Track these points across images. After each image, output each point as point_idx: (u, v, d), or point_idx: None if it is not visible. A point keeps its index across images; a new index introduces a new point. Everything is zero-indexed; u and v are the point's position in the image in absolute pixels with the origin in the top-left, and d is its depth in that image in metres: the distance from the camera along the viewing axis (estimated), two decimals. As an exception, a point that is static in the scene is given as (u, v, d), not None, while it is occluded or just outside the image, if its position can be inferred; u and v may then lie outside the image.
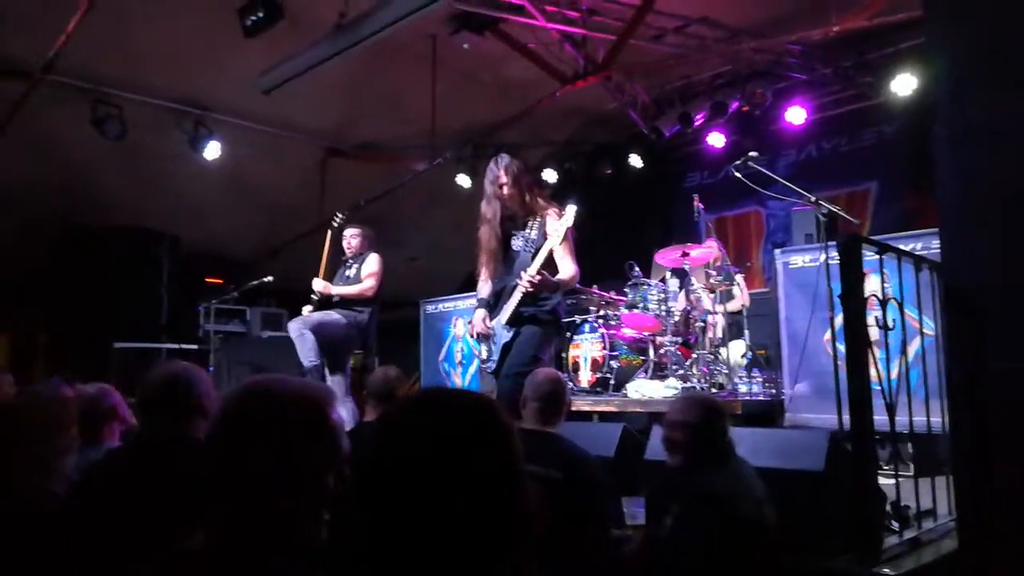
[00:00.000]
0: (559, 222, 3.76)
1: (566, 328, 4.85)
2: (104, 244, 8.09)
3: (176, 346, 7.42)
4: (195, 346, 7.39)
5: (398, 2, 5.19)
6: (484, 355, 3.96)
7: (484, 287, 4.07)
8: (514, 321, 3.83)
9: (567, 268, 3.83)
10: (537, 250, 3.79)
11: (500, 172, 3.88)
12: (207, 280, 8.26)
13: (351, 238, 5.61)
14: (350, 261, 5.57)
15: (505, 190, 3.88)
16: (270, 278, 6.77)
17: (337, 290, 5.36)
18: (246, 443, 1.15)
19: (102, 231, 8.10)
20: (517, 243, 3.93)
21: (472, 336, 4.07)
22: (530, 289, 3.69)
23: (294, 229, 8.78)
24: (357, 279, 5.40)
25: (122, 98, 6.94)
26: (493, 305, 3.96)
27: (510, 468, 1.06)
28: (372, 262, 5.43)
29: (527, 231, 3.89)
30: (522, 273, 3.73)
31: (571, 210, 3.80)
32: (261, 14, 5.55)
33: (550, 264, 3.79)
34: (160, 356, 7.36)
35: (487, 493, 1.01)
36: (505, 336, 3.83)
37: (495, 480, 1.03)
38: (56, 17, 5.60)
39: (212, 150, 7.46)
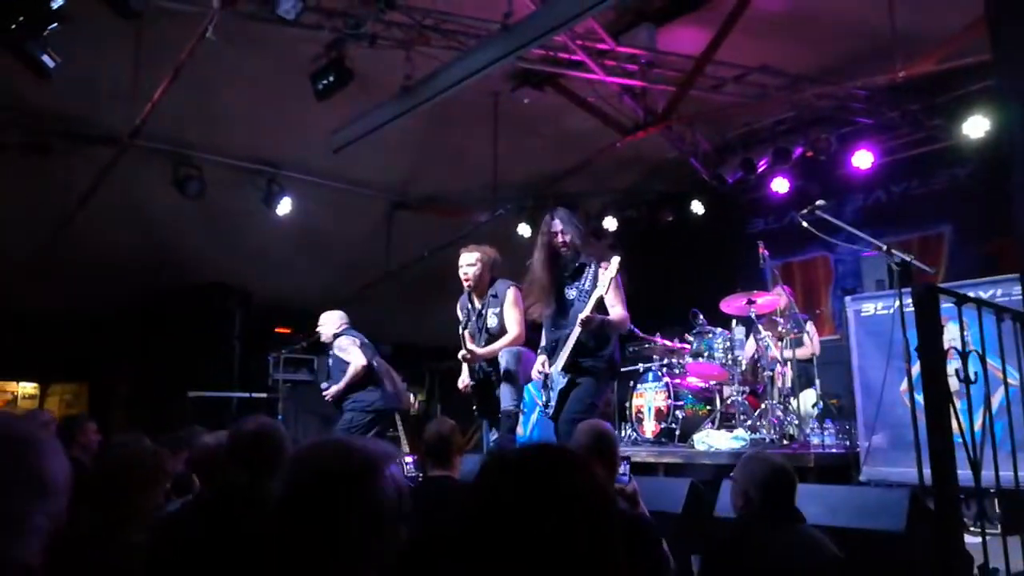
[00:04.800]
0: (605, 273, 3.94)
1: (620, 374, 4.93)
2: (182, 299, 8.51)
3: (247, 395, 7.66)
4: (264, 395, 7.61)
5: (461, 63, 5.36)
6: (544, 400, 4.11)
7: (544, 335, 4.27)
8: (571, 368, 4.00)
9: (617, 313, 4.02)
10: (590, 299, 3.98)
11: (556, 224, 4.12)
12: (277, 331, 8.51)
13: (468, 266, 4.65)
14: (478, 304, 4.69)
15: (560, 239, 4.10)
16: (337, 328, 6.93)
17: (487, 350, 4.57)
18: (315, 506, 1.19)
19: (180, 287, 8.51)
20: (571, 293, 4.10)
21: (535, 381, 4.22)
22: (587, 327, 3.87)
23: (361, 280, 9.01)
24: (500, 327, 4.60)
25: (202, 159, 7.32)
26: (551, 352, 4.13)
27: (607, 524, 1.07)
28: (510, 301, 4.58)
29: (581, 282, 4.05)
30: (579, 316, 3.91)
31: (615, 261, 3.97)
32: (332, 78, 5.84)
33: (601, 312, 3.98)
34: (231, 405, 7.59)
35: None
36: (561, 382, 4.01)
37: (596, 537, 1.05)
38: (145, 87, 5.98)
39: (284, 206, 7.77)
